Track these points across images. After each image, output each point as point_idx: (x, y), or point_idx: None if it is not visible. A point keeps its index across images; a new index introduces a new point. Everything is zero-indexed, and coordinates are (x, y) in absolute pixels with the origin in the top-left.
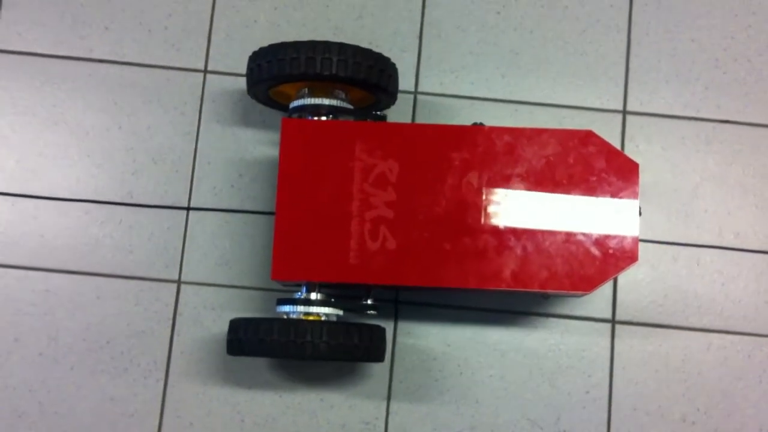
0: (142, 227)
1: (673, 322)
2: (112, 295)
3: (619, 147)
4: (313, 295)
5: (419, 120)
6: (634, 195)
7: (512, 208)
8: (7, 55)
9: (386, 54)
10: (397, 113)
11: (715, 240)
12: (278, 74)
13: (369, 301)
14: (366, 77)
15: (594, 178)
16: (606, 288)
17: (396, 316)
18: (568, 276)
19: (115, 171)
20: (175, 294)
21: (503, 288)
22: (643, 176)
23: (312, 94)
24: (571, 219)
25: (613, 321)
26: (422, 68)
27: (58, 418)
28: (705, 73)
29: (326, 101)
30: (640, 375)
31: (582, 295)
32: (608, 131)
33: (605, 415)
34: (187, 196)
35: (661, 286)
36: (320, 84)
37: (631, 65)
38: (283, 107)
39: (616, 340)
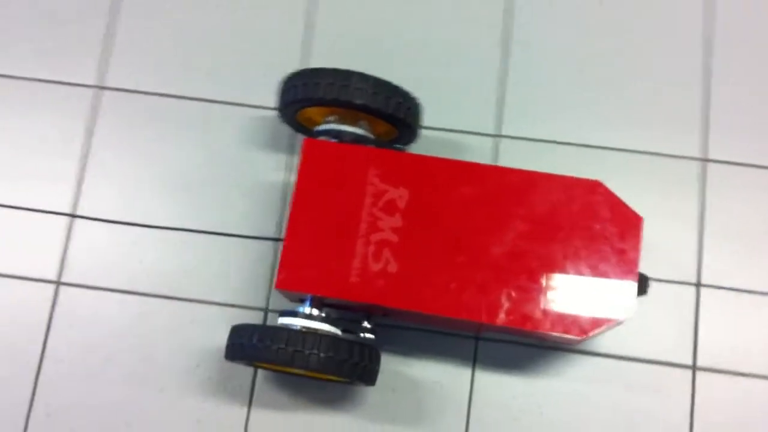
0: (234, 256)
1: (756, 371)
2: (204, 321)
3: (698, 194)
4: (315, 311)
5: (501, 163)
6: (636, 248)
7: (514, 247)
8: (117, 92)
9: (471, 99)
10: (481, 155)
11: None
12: (312, 97)
13: (367, 324)
14: (403, 116)
15: (598, 227)
16: (686, 334)
17: (476, 352)
18: (562, 320)
19: (210, 202)
20: (262, 321)
21: (496, 324)
22: (727, 224)
23: (338, 121)
24: (571, 265)
25: (694, 367)
26: (505, 114)
27: None
28: None
29: (350, 128)
30: (721, 423)
31: (577, 342)
32: (686, 178)
33: None
34: (276, 227)
35: (743, 334)
36: (346, 112)
37: (710, 115)
38: (308, 132)
39: (697, 386)
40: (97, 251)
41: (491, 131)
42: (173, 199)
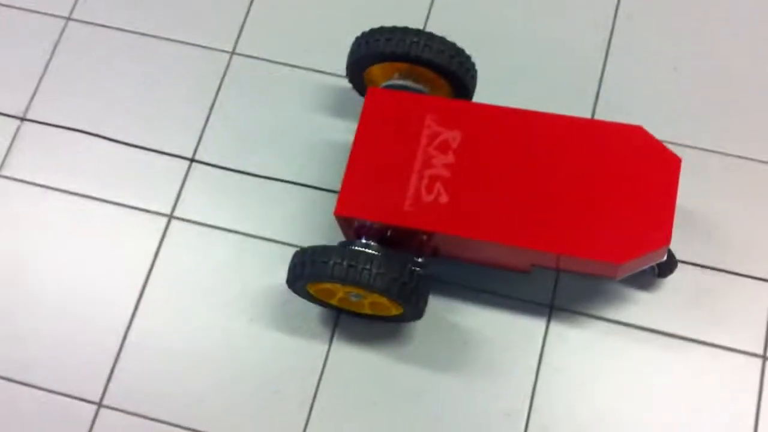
0: (328, 208)
1: None
2: None
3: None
4: (371, 243)
5: None
6: (674, 186)
7: (560, 183)
8: (245, 58)
9: (569, 86)
10: None
11: None
12: (373, 52)
13: (419, 259)
14: (456, 70)
15: (639, 167)
16: (759, 323)
17: (549, 317)
18: (603, 247)
19: (314, 160)
20: None
21: (541, 249)
22: None
23: (400, 78)
24: (612, 200)
25: (764, 356)
26: (599, 107)
27: (233, 365)
28: None
29: (410, 83)
30: None
31: (616, 271)
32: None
33: None
34: None
35: None
36: (410, 70)
37: None
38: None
39: (766, 375)
40: (208, 193)
41: None
42: (280, 153)
